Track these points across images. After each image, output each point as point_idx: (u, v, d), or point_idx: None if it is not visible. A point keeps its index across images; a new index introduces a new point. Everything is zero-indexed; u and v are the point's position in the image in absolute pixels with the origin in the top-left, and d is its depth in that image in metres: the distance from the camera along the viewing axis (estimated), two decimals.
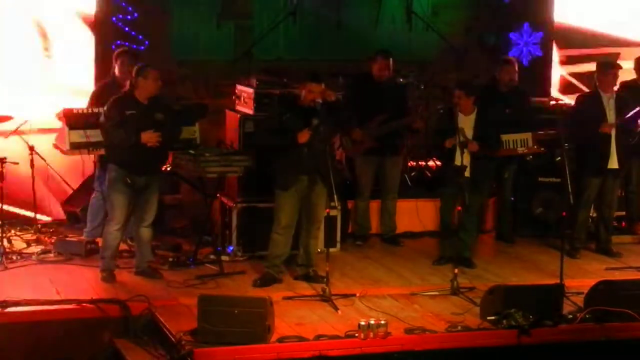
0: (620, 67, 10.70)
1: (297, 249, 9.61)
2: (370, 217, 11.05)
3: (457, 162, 9.69)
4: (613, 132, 10.42)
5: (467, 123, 9.88)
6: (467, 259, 10.09)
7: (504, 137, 10.59)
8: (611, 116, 10.44)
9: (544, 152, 11.02)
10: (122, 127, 9.08)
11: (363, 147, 10.72)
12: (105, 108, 9.27)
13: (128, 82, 9.33)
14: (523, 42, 13.60)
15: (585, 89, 12.83)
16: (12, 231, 10.50)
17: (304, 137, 9.16)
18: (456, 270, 9.29)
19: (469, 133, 9.82)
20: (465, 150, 9.61)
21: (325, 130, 9.25)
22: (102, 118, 9.30)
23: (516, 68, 11.05)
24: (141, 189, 9.29)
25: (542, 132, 10.87)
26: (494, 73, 11.13)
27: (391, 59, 10.77)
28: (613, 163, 10.49)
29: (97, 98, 10.07)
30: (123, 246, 9.90)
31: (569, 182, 9.32)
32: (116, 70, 10.16)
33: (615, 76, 10.49)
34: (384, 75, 10.75)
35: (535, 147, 10.85)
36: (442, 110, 10.84)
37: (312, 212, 9.42)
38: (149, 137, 9.11)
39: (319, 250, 9.58)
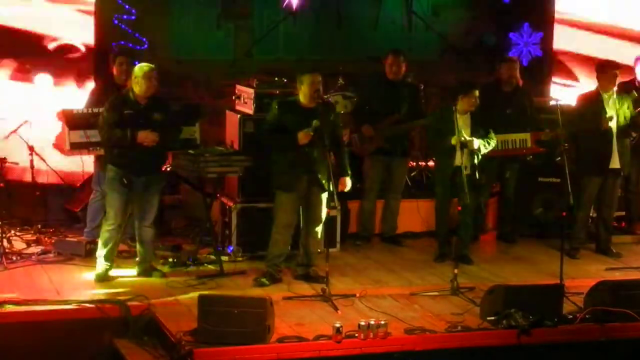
0: (620, 67, 10.69)
1: (297, 248, 9.62)
2: (375, 219, 11.05)
3: (457, 161, 9.73)
4: (614, 131, 10.42)
5: (463, 122, 9.90)
6: (465, 256, 10.14)
7: (503, 137, 10.59)
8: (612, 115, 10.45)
9: (544, 152, 11.02)
10: (119, 127, 9.09)
11: (372, 146, 10.69)
12: (103, 108, 9.28)
13: (129, 82, 9.34)
14: (523, 42, 13.61)
15: None
16: (12, 231, 10.49)
17: (304, 138, 9.16)
18: (456, 270, 9.28)
19: (466, 132, 9.86)
20: (465, 150, 9.66)
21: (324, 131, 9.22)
22: (100, 118, 9.31)
23: (517, 66, 11.04)
24: (141, 189, 9.29)
25: (541, 132, 10.86)
26: (496, 72, 11.14)
27: (402, 58, 10.70)
28: (614, 163, 10.49)
29: (95, 98, 10.07)
30: (123, 247, 9.92)
31: (569, 182, 9.33)
32: (114, 71, 10.16)
33: (615, 75, 10.49)
34: (396, 74, 10.72)
35: (534, 147, 10.86)
36: (440, 110, 10.82)
37: (311, 212, 9.41)
38: (145, 137, 9.10)
39: (319, 250, 9.57)
